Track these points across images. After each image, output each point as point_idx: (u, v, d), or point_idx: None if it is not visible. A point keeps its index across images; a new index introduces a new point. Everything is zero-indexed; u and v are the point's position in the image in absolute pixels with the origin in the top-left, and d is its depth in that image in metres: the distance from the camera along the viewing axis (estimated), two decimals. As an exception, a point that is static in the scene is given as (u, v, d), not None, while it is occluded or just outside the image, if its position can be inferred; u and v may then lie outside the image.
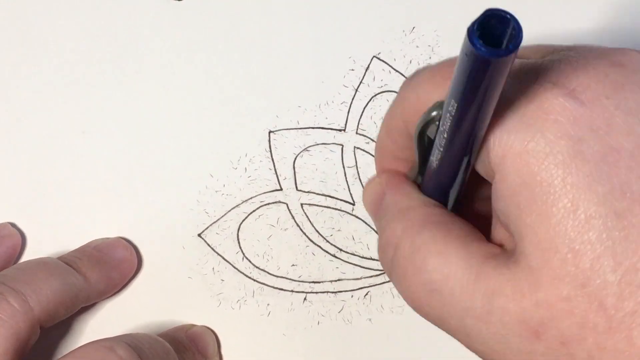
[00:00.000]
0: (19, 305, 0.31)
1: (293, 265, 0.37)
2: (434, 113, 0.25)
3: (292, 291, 0.37)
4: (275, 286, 0.37)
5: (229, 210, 0.37)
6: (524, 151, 0.23)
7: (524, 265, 0.23)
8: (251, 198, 0.37)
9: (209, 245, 0.37)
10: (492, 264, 0.24)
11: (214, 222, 0.37)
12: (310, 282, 0.37)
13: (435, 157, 0.26)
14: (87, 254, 0.35)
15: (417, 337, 0.36)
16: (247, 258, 0.37)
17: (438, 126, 0.25)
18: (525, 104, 0.23)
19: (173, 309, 0.36)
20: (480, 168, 0.25)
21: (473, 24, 0.20)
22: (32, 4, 0.40)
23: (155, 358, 0.31)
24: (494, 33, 0.20)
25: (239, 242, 0.37)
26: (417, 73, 0.27)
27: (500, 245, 0.26)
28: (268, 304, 0.36)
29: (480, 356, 0.25)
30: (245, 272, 0.37)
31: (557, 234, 0.23)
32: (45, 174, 0.38)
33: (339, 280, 0.37)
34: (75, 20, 0.39)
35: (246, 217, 0.37)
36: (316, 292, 0.37)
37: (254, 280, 0.37)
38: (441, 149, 0.25)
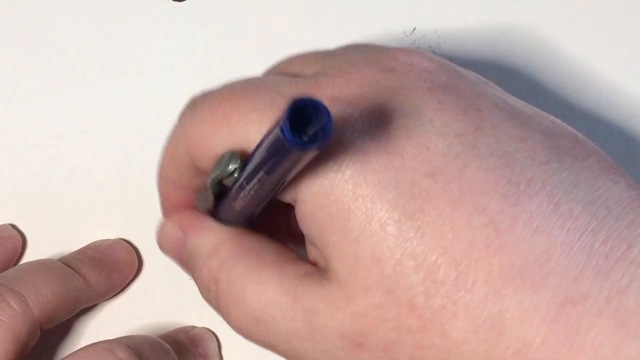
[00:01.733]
0: (18, 306, 0.31)
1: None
2: (230, 168, 0.25)
3: (292, 293, 0.37)
4: (276, 288, 0.37)
5: (230, 212, 0.37)
6: (316, 174, 0.23)
7: (335, 280, 0.24)
8: (252, 199, 0.37)
9: (209, 246, 0.37)
10: (308, 283, 0.25)
11: (215, 224, 0.37)
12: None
13: (235, 200, 0.26)
14: (87, 255, 0.35)
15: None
16: (247, 260, 0.37)
17: (236, 178, 0.25)
18: None
19: (173, 311, 0.36)
20: (282, 196, 0.26)
21: (284, 113, 0.19)
22: (32, 4, 0.39)
23: (155, 360, 0.31)
24: (305, 116, 0.20)
25: (239, 244, 0.37)
26: (196, 104, 0.27)
27: (315, 263, 0.26)
28: (268, 306, 0.36)
29: None
30: (245, 274, 0.37)
31: (359, 247, 0.23)
32: (45, 174, 0.37)
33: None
34: (75, 20, 0.39)
35: (247, 219, 0.37)
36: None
37: (255, 281, 0.37)
38: (245, 199, 0.25)
